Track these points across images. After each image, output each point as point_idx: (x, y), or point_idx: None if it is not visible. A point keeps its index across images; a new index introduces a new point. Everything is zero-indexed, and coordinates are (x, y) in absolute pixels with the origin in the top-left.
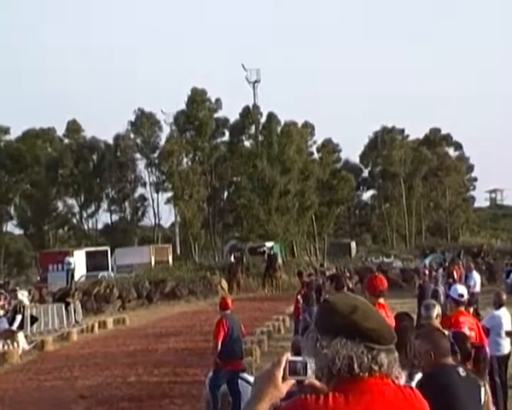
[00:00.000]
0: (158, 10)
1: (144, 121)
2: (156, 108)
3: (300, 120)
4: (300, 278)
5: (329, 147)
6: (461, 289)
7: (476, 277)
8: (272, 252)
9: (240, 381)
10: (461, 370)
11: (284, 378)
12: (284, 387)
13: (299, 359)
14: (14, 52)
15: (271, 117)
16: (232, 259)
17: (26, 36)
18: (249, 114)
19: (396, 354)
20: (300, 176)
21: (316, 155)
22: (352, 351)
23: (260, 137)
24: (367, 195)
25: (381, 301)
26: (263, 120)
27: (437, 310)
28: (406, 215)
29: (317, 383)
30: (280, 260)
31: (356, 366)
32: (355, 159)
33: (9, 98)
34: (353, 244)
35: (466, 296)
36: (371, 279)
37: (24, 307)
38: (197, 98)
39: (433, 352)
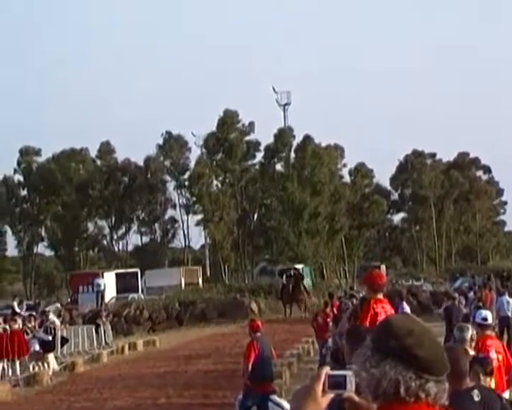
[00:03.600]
0: (190, 33)
1: (173, 144)
2: (186, 130)
3: (331, 143)
4: (331, 300)
5: (362, 171)
6: (485, 313)
7: (507, 301)
8: (298, 272)
9: (270, 403)
10: (475, 393)
11: (324, 393)
12: (324, 401)
13: (338, 373)
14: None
15: (307, 139)
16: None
17: (60, 58)
18: (283, 136)
19: (446, 384)
20: (331, 199)
21: (347, 179)
22: (400, 375)
23: (292, 160)
24: (397, 218)
25: (380, 296)
26: (296, 142)
27: (470, 332)
28: (436, 238)
29: (355, 397)
30: (310, 283)
31: (402, 390)
32: (384, 182)
33: (40, 119)
34: (383, 267)
35: (491, 320)
36: (370, 274)
37: (55, 329)
38: (228, 120)
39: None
